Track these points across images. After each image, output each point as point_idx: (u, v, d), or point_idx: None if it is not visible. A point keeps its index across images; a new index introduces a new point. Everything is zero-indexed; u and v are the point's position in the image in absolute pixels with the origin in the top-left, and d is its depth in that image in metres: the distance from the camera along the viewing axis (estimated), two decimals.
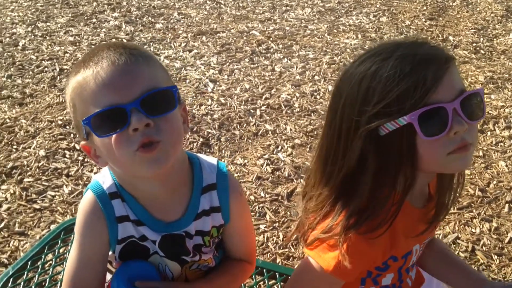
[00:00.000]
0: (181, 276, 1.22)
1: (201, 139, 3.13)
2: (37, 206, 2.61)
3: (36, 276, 1.60)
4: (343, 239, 1.02)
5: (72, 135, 3.17)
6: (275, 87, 3.73)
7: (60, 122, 3.30)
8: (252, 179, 2.80)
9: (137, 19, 4.96)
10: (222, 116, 3.37)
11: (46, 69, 4.01)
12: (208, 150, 3.05)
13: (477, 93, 1.00)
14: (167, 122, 1.00)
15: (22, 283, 1.58)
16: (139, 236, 1.13)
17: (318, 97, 3.61)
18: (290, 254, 2.34)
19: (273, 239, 2.43)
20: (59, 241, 1.72)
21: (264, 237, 2.43)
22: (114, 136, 0.97)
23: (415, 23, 4.86)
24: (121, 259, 1.16)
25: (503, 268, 2.26)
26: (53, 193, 2.70)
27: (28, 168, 2.88)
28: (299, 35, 4.60)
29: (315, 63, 4.09)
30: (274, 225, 2.50)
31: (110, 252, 1.17)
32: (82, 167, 2.90)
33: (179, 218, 1.15)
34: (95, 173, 2.83)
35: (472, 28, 4.74)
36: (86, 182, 2.77)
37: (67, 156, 2.99)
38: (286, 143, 3.11)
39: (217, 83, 3.79)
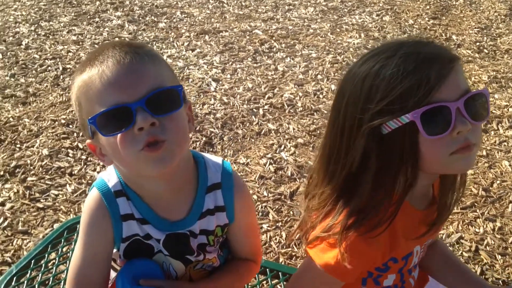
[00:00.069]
0: (185, 276, 1.22)
1: (204, 138, 3.13)
2: (40, 205, 2.62)
3: (40, 275, 1.61)
4: (343, 238, 1.02)
5: (75, 134, 3.18)
6: (278, 86, 3.73)
7: (63, 121, 3.30)
8: (255, 179, 2.80)
9: (140, 18, 4.96)
10: (225, 115, 3.37)
11: (49, 68, 4.01)
12: (211, 150, 3.05)
13: (481, 93, 0.99)
14: (173, 121, 1.00)
15: (25, 281, 1.58)
16: (143, 234, 1.14)
17: (321, 96, 3.61)
18: (293, 254, 2.34)
19: (276, 239, 2.43)
20: (63, 240, 1.72)
21: (267, 236, 2.43)
22: (119, 135, 0.97)
23: (418, 22, 4.84)
24: (125, 257, 1.16)
25: (507, 268, 2.25)
26: (56, 192, 2.71)
27: (32, 167, 2.89)
28: (302, 34, 4.60)
29: (318, 62, 4.08)
30: (277, 224, 2.50)
31: (115, 250, 1.17)
32: (85, 166, 2.90)
33: (184, 217, 1.15)
34: (98, 172, 2.84)
35: (475, 27, 4.73)
36: (89, 181, 2.78)
37: (70, 155, 3.00)
38: (289, 143, 3.11)
39: (220, 82, 3.79)
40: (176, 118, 1.01)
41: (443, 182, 1.14)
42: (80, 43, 4.44)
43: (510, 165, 2.91)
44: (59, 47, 4.37)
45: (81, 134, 3.17)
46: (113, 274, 1.22)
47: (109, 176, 1.14)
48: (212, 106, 3.47)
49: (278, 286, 1.61)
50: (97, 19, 4.93)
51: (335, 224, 1.04)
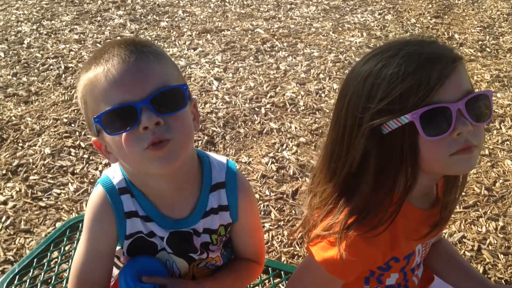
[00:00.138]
0: (188, 274, 1.22)
1: (206, 137, 3.13)
2: (42, 204, 2.62)
3: (42, 273, 1.61)
4: (342, 237, 1.02)
5: (77, 133, 3.18)
6: (280, 85, 3.73)
7: (65, 120, 3.30)
8: (257, 178, 2.80)
9: (142, 17, 4.96)
10: (227, 114, 3.37)
11: (51, 67, 4.02)
12: (213, 149, 3.05)
13: (484, 94, 0.98)
14: (178, 120, 1.00)
15: (27, 280, 1.58)
16: (147, 232, 1.14)
17: (323, 95, 3.61)
18: (295, 253, 2.34)
19: (278, 238, 2.42)
20: (65, 239, 1.72)
21: (269, 235, 2.43)
22: (124, 134, 0.98)
23: (421, 21, 4.84)
24: (129, 255, 1.17)
25: (509, 267, 2.24)
26: (58, 191, 2.71)
27: (34, 166, 2.89)
28: (304, 33, 4.59)
29: (320, 61, 4.08)
30: (279, 223, 2.50)
31: (118, 247, 1.17)
32: (88, 165, 2.90)
33: (188, 215, 1.15)
34: (100, 171, 2.84)
35: (478, 26, 4.72)
36: (91, 180, 2.78)
37: (72, 154, 3.00)
38: (291, 142, 3.10)
39: (222, 81, 3.79)
40: (181, 117, 1.01)
41: (446, 182, 1.14)
42: (82, 42, 4.44)
43: None
44: (61, 46, 4.37)
45: (83, 133, 3.18)
46: (116, 271, 1.22)
47: (114, 173, 1.14)
48: (214, 105, 3.47)
49: (280, 285, 1.61)
50: (99, 18, 4.93)
51: (335, 223, 1.04)
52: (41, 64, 4.05)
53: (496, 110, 3.40)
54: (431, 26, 4.74)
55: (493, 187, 2.72)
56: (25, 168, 2.87)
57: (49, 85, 3.75)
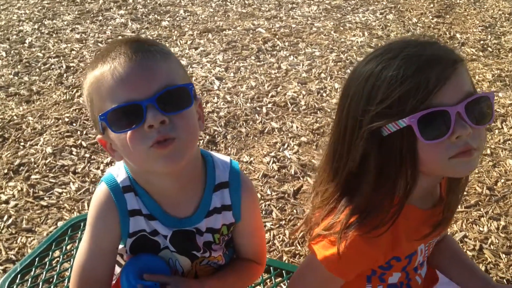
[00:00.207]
0: (191, 272, 1.23)
1: (207, 137, 3.13)
2: (44, 203, 2.62)
3: (44, 272, 1.61)
4: (342, 237, 1.02)
5: (79, 132, 3.18)
6: (281, 84, 3.73)
7: (67, 120, 3.31)
8: (258, 177, 2.80)
9: (143, 17, 4.96)
10: (228, 114, 3.37)
11: (52, 66, 4.02)
12: (214, 148, 3.05)
13: (485, 97, 0.97)
14: (183, 119, 1.00)
15: (29, 279, 1.58)
16: (150, 230, 1.14)
17: (324, 95, 3.60)
18: (297, 252, 2.34)
19: (279, 237, 2.42)
20: (67, 238, 1.72)
21: (270, 234, 2.43)
22: (129, 132, 0.98)
23: (422, 21, 4.83)
24: (131, 253, 1.17)
25: (511, 267, 2.24)
26: (60, 190, 2.71)
27: (35, 165, 2.89)
28: (305, 32, 4.59)
29: (321, 60, 4.07)
30: (281, 223, 2.50)
31: (122, 246, 1.17)
32: (89, 164, 2.91)
33: (191, 214, 1.15)
34: (102, 170, 2.84)
35: (479, 26, 4.71)
36: (92, 179, 2.78)
37: (74, 153, 3.00)
38: (293, 141, 3.10)
39: (223, 80, 3.79)
40: (186, 116, 1.01)
41: (449, 181, 1.14)
42: (84, 41, 4.45)
43: None
44: (63, 45, 4.37)
45: (84, 132, 3.18)
46: (118, 269, 1.22)
47: (118, 171, 1.14)
48: (216, 104, 3.47)
49: (281, 284, 1.61)
50: (100, 18, 4.94)
51: (336, 223, 1.05)
52: (43, 64, 4.05)
53: (497, 110, 3.40)
54: (432, 25, 4.74)
55: (494, 187, 2.72)
56: (26, 168, 2.87)
57: (50, 84, 3.75)
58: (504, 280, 2.18)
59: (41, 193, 2.69)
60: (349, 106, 1.03)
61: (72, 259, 1.66)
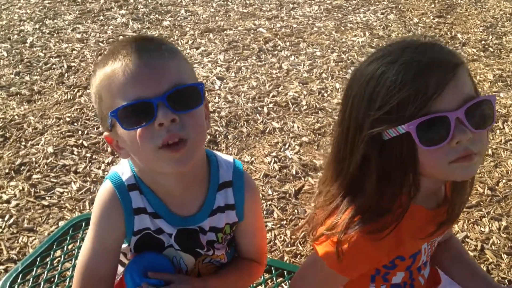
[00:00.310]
0: (194, 271, 1.23)
1: (208, 137, 3.13)
2: (45, 203, 2.62)
3: (45, 272, 1.61)
4: (345, 237, 1.02)
5: (80, 132, 3.18)
6: (282, 84, 3.72)
7: (68, 119, 3.31)
8: (259, 177, 2.80)
9: (144, 16, 4.96)
10: (229, 114, 3.36)
11: (54, 66, 4.02)
12: (216, 148, 3.05)
13: (486, 100, 0.96)
14: (192, 118, 1.01)
15: (31, 279, 1.58)
16: (155, 228, 1.14)
17: (325, 95, 3.60)
18: (298, 252, 2.34)
19: (280, 237, 2.42)
20: (68, 238, 1.72)
21: (271, 234, 2.43)
22: (139, 129, 0.98)
23: (423, 21, 4.83)
24: (135, 251, 1.17)
25: None
26: (61, 190, 2.71)
27: (37, 165, 2.90)
28: (307, 32, 4.59)
29: (322, 60, 4.07)
30: (282, 223, 2.50)
31: (126, 245, 1.17)
32: (90, 164, 2.91)
33: (195, 213, 1.16)
34: (103, 170, 2.84)
35: (480, 26, 4.71)
36: (94, 179, 2.78)
37: (75, 153, 3.00)
38: (294, 141, 3.10)
39: (224, 80, 3.79)
40: (195, 115, 1.02)
41: (453, 183, 1.13)
42: (85, 41, 4.45)
43: None
44: (64, 45, 4.37)
45: (86, 132, 3.18)
46: (121, 269, 1.22)
47: (123, 170, 1.14)
48: (217, 104, 3.47)
49: (283, 284, 1.61)
50: (101, 17, 4.94)
51: (339, 222, 1.05)
52: (44, 63, 4.06)
53: (499, 110, 3.39)
54: (433, 25, 4.74)
55: (496, 187, 2.72)
56: (28, 167, 2.87)
57: (51, 84, 3.76)
58: (506, 281, 2.18)
59: (42, 192, 2.70)
60: (351, 107, 1.03)
61: (73, 259, 1.66)
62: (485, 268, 2.23)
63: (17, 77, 3.86)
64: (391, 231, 1.02)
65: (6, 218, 2.52)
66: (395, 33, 4.56)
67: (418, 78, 0.92)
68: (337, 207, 1.08)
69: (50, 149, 3.02)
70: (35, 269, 1.60)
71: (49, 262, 1.64)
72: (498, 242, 2.37)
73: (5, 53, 4.23)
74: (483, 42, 4.40)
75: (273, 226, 2.47)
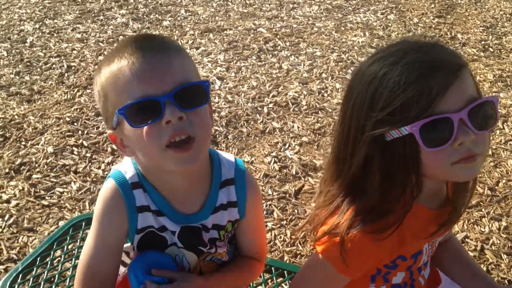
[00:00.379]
0: (196, 269, 1.24)
1: None
2: (45, 203, 2.62)
3: (45, 272, 1.61)
4: (347, 237, 1.02)
5: (80, 132, 3.18)
6: (282, 84, 3.73)
7: (68, 119, 3.31)
8: (259, 177, 2.79)
9: (144, 16, 4.96)
10: (229, 114, 3.36)
11: (54, 66, 4.02)
12: (216, 148, 3.05)
13: (489, 101, 0.97)
14: (198, 116, 1.02)
15: (31, 279, 1.58)
16: (158, 226, 1.15)
17: (325, 95, 3.60)
18: (298, 252, 2.34)
19: (280, 237, 2.42)
20: (68, 238, 1.72)
21: (271, 234, 2.43)
22: (146, 127, 0.99)
23: (423, 21, 4.83)
24: (138, 250, 1.17)
25: None
26: (61, 190, 2.71)
27: (37, 165, 2.90)
28: (307, 32, 4.59)
29: (322, 60, 4.07)
30: (282, 222, 2.50)
31: (129, 244, 1.18)
32: (90, 163, 2.91)
33: (198, 210, 1.17)
34: (103, 170, 2.84)
35: (480, 26, 4.71)
36: (94, 179, 2.78)
37: (75, 152, 3.00)
38: (294, 141, 3.10)
39: (224, 80, 3.79)
40: (201, 113, 1.03)
41: (455, 183, 1.13)
42: (85, 41, 4.45)
43: None
44: (64, 45, 4.37)
45: (86, 132, 3.18)
46: (122, 269, 1.22)
47: (126, 168, 1.15)
48: (217, 104, 3.47)
49: (283, 284, 1.61)
50: (101, 17, 4.94)
51: (340, 222, 1.05)
52: (44, 63, 4.05)
53: (499, 110, 3.39)
54: (433, 26, 4.74)
55: (496, 187, 2.72)
56: (28, 167, 2.87)
57: (51, 84, 3.76)
58: (506, 281, 2.18)
59: (42, 192, 2.70)
60: (353, 108, 1.03)
61: (73, 259, 1.66)
62: (485, 268, 2.23)
63: (17, 77, 3.86)
64: (394, 231, 1.02)
65: (6, 218, 2.52)
66: (395, 33, 4.56)
67: (422, 79, 0.92)
68: (338, 207, 1.08)
69: (50, 149, 3.02)
70: (35, 269, 1.60)
71: (49, 262, 1.64)
72: (498, 242, 2.37)
73: (5, 53, 4.23)
74: (483, 42, 4.40)
75: (273, 226, 2.47)
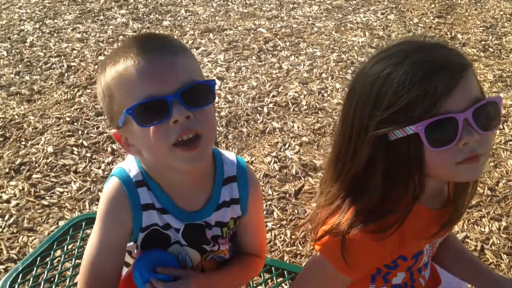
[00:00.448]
0: (197, 267, 1.24)
1: None
2: (45, 202, 2.62)
3: (45, 272, 1.61)
4: (348, 236, 1.02)
5: (80, 132, 3.18)
6: (282, 84, 3.73)
7: (68, 119, 3.31)
8: (259, 177, 2.79)
9: (144, 16, 4.96)
10: (229, 114, 3.36)
11: (54, 65, 4.02)
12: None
13: (493, 102, 0.97)
14: (205, 115, 1.03)
15: (31, 279, 1.58)
16: (162, 224, 1.15)
17: (325, 95, 3.60)
18: (298, 252, 2.34)
19: (280, 237, 2.42)
20: (68, 238, 1.72)
21: (271, 234, 2.43)
22: (153, 127, 1.00)
23: (423, 21, 4.83)
24: (142, 248, 1.18)
25: None
26: (61, 190, 2.71)
27: (37, 165, 2.89)
28: (307, 32, 4.59)
29: (322, 60, 4.07)
30: (282, 222, 2.50)
31: (131, 243, 1.18)
32: (90, 163, 2.91)
33: (201, 208, 1.17)
34: (103, 170, 2.84)
35: (480, 26, 4.71)
36: (94, 179, 2.78)
37: (75, 152, 3.00)
38: (294, 141, 3.10)
39: (224, 80, 3.79)
40: (207, 112, 1.04)
41: (456, 184, 1.13)
42: (85, 41, 4.44)
43: None
44: (64, 44, 4.37)
45: (86, 131, 3.18)
46: (125, 269, 1.23)
47: (130, 167, 1.15)
48: (217, 104, 3.47)
49: (283, 284, 1.61)
50: (101, 17, 4.93)
51: (341, 222, 1.05)
52: (44, 63, 4.05)
53: None
54: (433, 26, 4.74)
55: (496, 187, 2.72)
56: (28, 167, 2.87)
57: (51, 84, 3.75)
58: None
59: (42, 192, 2.70)
60: (355, 107, 1.02)
61: (73, 259, 1.66)
62: None
63: (17, 77, 3.85)
64: (395, 231, 1.02)
65: (6, 218, 2.52)
66: (395, 33, 4.56)
67: (427, 79, 0.92)
68: (339, 207, 1.08)
69: (50, 149, 3.01)
70: (35, 269, 1.60)
71: (49, 262, 1.64)
72: (498, 242, 2.37)
73: (5, 53, 4.23)
74: (483, 42, 4.40)
75: (273, 226, 2.48)
